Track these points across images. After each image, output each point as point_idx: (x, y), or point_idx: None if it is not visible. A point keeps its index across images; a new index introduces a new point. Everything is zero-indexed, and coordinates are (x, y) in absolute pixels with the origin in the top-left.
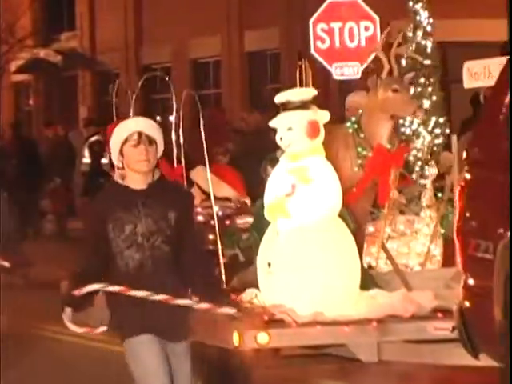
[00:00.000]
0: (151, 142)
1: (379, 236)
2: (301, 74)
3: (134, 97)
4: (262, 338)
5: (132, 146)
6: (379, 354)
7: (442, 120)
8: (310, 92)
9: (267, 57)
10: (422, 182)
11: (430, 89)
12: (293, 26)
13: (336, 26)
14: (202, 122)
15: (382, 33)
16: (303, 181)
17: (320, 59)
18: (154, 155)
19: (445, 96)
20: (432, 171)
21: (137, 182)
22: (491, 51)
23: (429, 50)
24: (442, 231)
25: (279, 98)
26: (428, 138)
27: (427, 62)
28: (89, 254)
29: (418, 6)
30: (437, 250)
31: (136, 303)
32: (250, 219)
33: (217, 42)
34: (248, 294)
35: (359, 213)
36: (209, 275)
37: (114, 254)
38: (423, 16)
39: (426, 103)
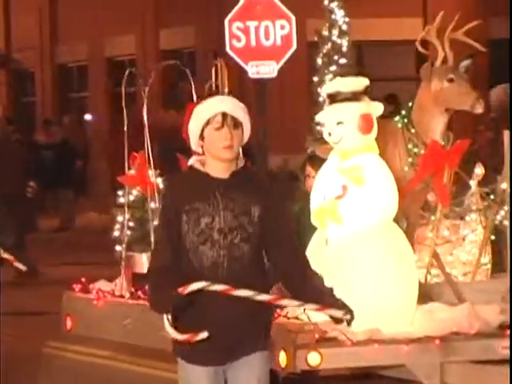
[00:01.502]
0: (237, 124)
1: (429, 243)
2: (216, 72)
3: (146, 90)
4: (314, 358)
5: (215, 128)
6: (442, 376)
7: None
8: (362, 82)
9: (183, 55)
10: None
11: None
12: (209, 24)
13: (252, 24)
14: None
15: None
16: (356, 182)
17: (236, 58)
18: (239, 140)
19: None
20: (478, 171)
21: (218, 170)
22: (407, 50)
23: (344, 49)
24: (493, 237)
25: (328, 89)
26: None
27: (343, 60)
28: (163, 248)
29: (334, 5)
30: (486, 259)
31: (209, 322)
32: None
33: (132, 41)
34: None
35: (410, 217)
36: (313, 277)
37: (187, 249)
38: (339, 15)
39: None
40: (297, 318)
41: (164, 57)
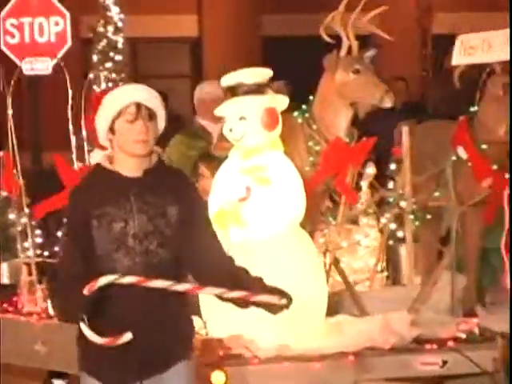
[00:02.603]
0: (152, 116)
1: (329, 249)
2: None
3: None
4: (218, 377)
5: (128, 121)
6: None
7: None
8: (265, 73)
9: None
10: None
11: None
12: None
13: (26, 20)
14: None
15: None
16: (261, 182)
17: (10, 54)
18: (154, 133)
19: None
20: (369, 171)
21: (130, 167)
22: (182, 47)
23: (120, 46)
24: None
25: (227, 81)
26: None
27: (118, 57)
28: (71, 259)
29: (109, 2)
30: (379, 266)
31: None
32: None
33: None
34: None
35: (310, 220)
36: (245, 270)
37: (98, 257)
38: (114, 11)
39: None
40: (197, 333)
41: None
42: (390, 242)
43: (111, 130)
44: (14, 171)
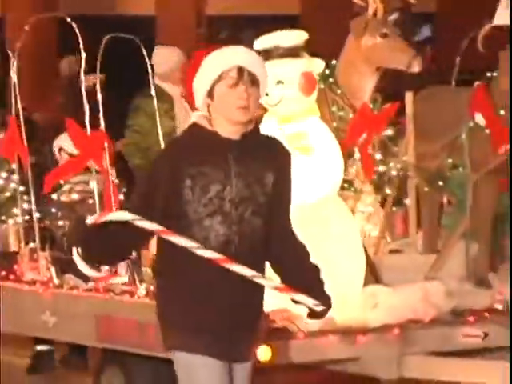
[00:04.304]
0: (254, 81)
1: None
2: None
3: None
4: (264, 352)
5: (229, 86)
6: (400, 370)
7: None
8: (302, 35)
9: None
10: None
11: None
12: None
13: None
14: None
15: None
16: (303, 151)
17: None
18: (256, 100)
19: None
20: None
21: (229, 130)
22: None
23: None
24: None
25: (263, 43)
26: None
27: None
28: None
29: None
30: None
31: (212, 301)
32: None
33: None
34: None
35: None
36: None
37: (189, 221)
38: None
39: None
40: None
41: None
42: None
43: (210, 94)
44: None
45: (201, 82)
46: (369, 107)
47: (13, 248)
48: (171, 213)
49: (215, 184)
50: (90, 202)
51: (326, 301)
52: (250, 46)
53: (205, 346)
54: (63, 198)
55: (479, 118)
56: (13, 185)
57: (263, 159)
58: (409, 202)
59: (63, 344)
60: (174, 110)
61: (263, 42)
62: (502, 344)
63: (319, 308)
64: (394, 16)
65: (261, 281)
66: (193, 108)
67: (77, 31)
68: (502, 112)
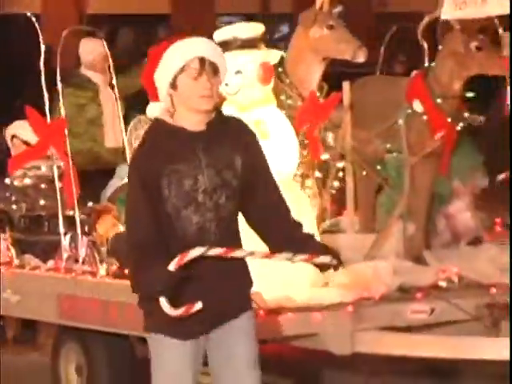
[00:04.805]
0: (216, 70)
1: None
2: None
3: None
4: None
5: (192, 77)
6: (353, 345)
7: None
8: (259, 28)
9: None
10: None
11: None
12: None
13: None
14: None
15: None
16: (261, 137)
17: None
18: (217, 88)
19: None
20: None
21: (193, 122)
22: None
23: None
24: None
25: (222, 35)
26: None
27: None
28: (144, 219)
29: None
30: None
31: (193, 290)
32: None
33: None
34: None
35: None
36: (300, 225)
37: (168, 216)
38: None
39: None
40: None
41: None
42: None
43: (173, 85)
44: None
45: (164, 74)
46: (316, 95)
47: None
48: (157, 212)
49: (188, 178)
50: (42, 186)
51: (334, 252)
52: (127, 41)
53: (177, 327)
54: (16, 183)
55: (417, 105)
56: None
57: (230, 144)
58: (347, 184)
59: (13, 320)
60: (99, 97)
61: (222, 33)
62: (447, 319)
63: (335, 260)
64: (337, 9)
65: (277, 258)
66: (152, 99)
67: None
68: (439, 100)
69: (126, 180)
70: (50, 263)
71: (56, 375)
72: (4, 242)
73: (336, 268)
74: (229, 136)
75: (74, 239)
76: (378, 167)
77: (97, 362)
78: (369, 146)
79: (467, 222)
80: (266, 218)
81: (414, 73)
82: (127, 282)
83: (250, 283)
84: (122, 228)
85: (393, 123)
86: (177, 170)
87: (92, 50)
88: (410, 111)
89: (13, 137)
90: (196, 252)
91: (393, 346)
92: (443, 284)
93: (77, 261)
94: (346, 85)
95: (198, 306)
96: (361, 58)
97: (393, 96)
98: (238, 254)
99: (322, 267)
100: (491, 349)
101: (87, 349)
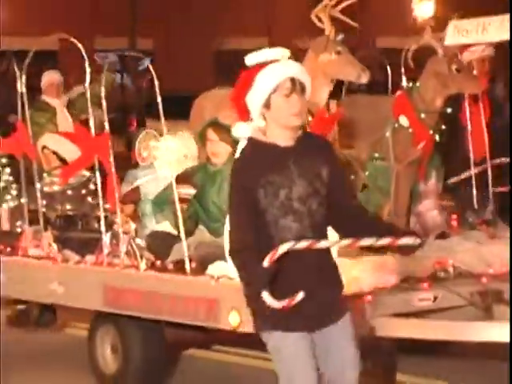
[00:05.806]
0: (303, 90)
1: None
2: None
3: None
4: (233, 318)
5: (284, 95)
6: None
7: None
8: (285, 52)
9: None
10: None
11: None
12: None
13: None
14: None
15: None
16: None
17: None
18: (305, 106)
19: None
20: None
21: (283, 137)
22: None
23: None
24: None
25: (255, 59)
26: None
27: None
28: (246, 227)
29: None
30: None
31: (304, 286)
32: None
33: None
34: (217, 268)
35: None
36: (375, 217)
37: (267, 224)
38: None
39: None
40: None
41: None
42: None
43: (266, 104)
44: None
45: (257, 94)
46: (325, 112)
47: (5, 228)
48: (256, 219)
49: (283, 188)
50: (69, 192)
51: (410, 233)
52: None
53: (297, 324)
54: (46, 189)
55: (403, 120)
56: (5, 177)
57: (316, 156)
58: None
59: (36, 305)
60: (56, 118)
61: (254, 57)
62: (446, 305)
63: (418, 240)
64: (340, 37)
65: (362, 243)
66: (242, 119)
67: None
68: (423, 115)
69: (135, 184)
70: (89, 258)
71: (92, 354)
72: (46, 240)
73: (420, 246)
74: (314, 150)
75: (114, 236)
76: (366, 173)
77: (130, 342)
78: (361, 155)
79: (435, 219)
80: (350, 217)
81: (398, 92)
82: (167, 275)
83: (343, 285)
84: (133, 226)
85: (380, 136)
86: (272, 181)
87: (50, 78)
88: (396, 125)
89: (43, 148)
90: (285, 246)
91: (404, 329)
92: (442, 274)
93: (116, 256)
94: (332, 103)
95: (300, 296)
96: (364, 79)
97: (376, 112)
98: (323, 244)
99: (407, 249)
100: (490, 332)
101: (122, 331)
